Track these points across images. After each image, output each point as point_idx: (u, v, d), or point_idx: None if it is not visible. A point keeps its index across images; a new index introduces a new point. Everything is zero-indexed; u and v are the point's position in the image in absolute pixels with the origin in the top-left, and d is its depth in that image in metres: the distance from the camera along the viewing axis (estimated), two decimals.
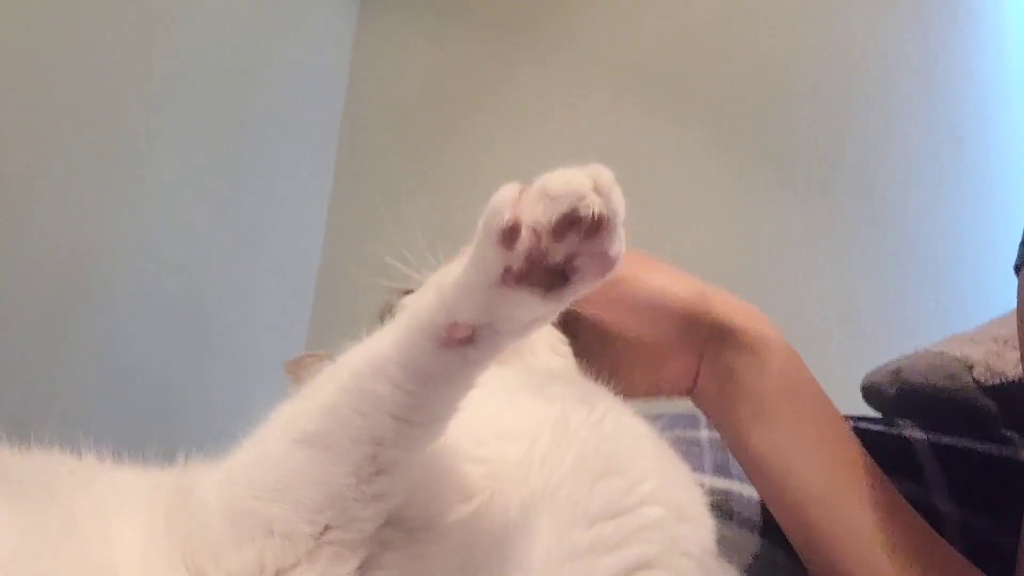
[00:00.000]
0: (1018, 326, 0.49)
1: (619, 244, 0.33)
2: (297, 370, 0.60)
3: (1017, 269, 0.49)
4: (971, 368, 0.65)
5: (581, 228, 0.32)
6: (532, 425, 0.43)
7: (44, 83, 1.37)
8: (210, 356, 1.67)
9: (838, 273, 1.42)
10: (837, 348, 1.34)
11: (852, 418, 0.67)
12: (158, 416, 1.47)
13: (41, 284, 1.35)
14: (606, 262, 0.33)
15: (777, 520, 0.56)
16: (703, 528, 0.44)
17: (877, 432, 0.66)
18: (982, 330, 0.71)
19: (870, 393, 0.74)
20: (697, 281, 0.56)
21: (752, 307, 0.57)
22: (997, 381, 0.64)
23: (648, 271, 0.55)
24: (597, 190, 0.32)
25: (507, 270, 0.33)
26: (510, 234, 0.32)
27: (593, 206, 0.32)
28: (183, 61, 1.64)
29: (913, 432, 0.65)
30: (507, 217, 0.32)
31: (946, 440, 0.64)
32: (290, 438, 0.37)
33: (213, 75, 1.72)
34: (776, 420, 0.54)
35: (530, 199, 0.32)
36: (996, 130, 1.49)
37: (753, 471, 0.56)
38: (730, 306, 0.56)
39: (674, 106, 1.68)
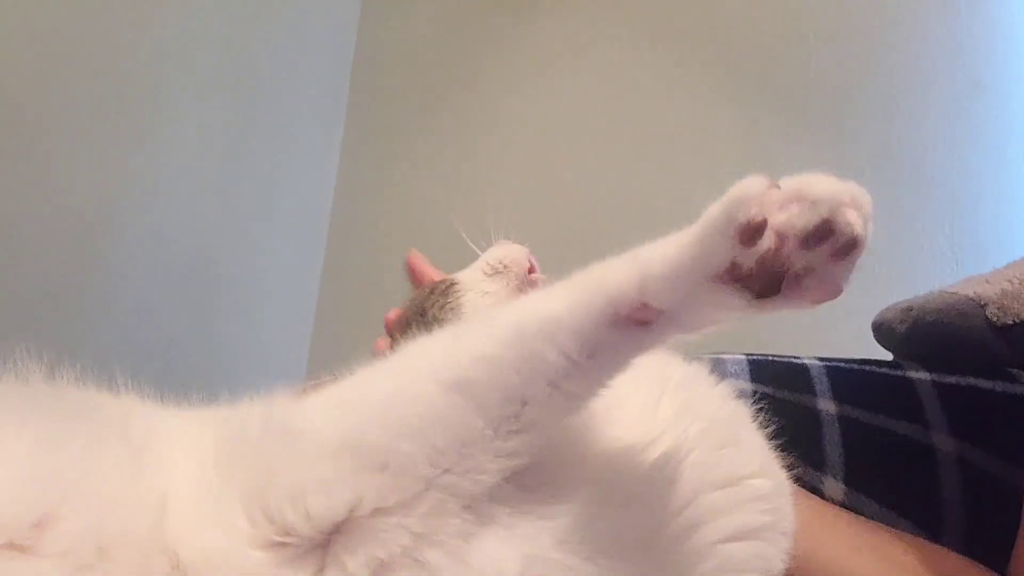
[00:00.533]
0: None
1: (841, 285, 0.31)
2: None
3: None
4: (984, 307, 0.65)
5: (835, 243, 0.29)
6: (654, 388, 0.42)
7: (57, 37, 1.37)
8: (219, 311, 1.69)
9: None
10: (850, 293, 1.33)
11: (858, 362, 0.68)
12: (165, 372, 1.50)
13: (50, 241, 1.36)
14: (835, 288, 0.30)
15: None
16: (791, 507, 0.44)
17: (881, 375, 0.66)
18: (998, 272, 0.71)
19: (881, 331, 0.74)
20: None
21: None
22: (1010, 321, 0.64)
23: None
24: (856, 206, 0.29)
25: (732, 266, 0.30)
26: (753, 231, 0.29)
27: (854, 224, 0.29)
28: (191, 13, 1.63)
29: (917, 373, 0.65)
30: (754, 212, 0.29)
31: (950, 380, 0.64)
32: (438, 379, 0.35)
33: (222, 26, 1.70)
34: None
35: (782, 198, 0.29)
36: (1016, 75, 1.46)
37: None
38: None
39: (690, 50, 1.65)
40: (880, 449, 0.59)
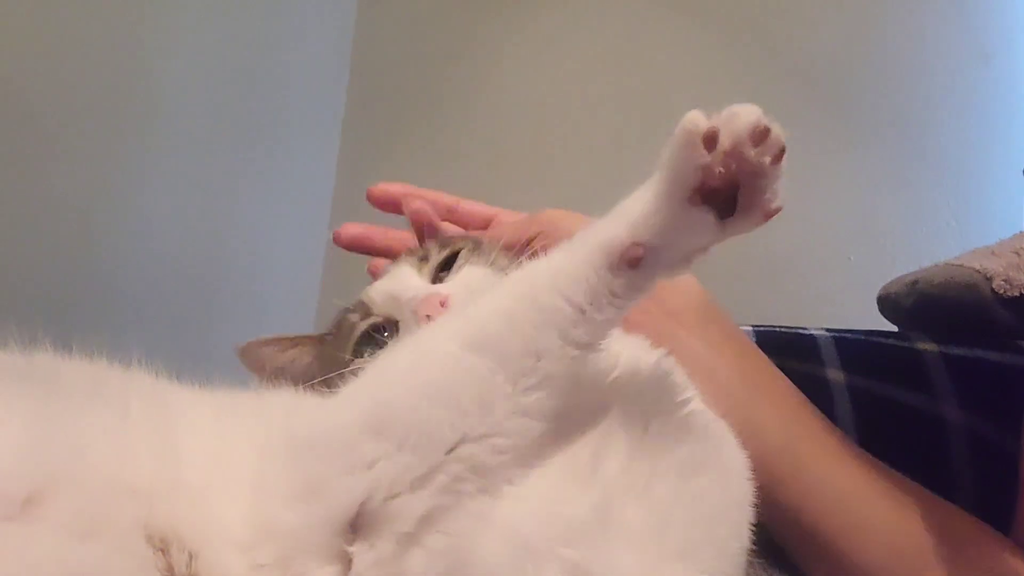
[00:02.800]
0: None
1: (780, 199, 0.38)
2: (250, 356, 0.58)
3: None
4: (990, 280, 0.65)
5: (770, 145, 0.36)
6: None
7: (55, 36, 1.36)
8: (220, 309, 1.69)
9: (858, 189, 1.41)
10: (856, 264, 1.34)
11: (864, 332, 0.68)
12: (167, 357, 1.49)
13: (49, 240, 1.35)
14: (769, 205, 0.38)
15: None
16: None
17: (888, 345, 0.66)
18: (1003, 244, 0.71)
19: (886, 304, 0.74)
20: None
21: None
22: (1016, 293, 0.64)
23: (576, 220, 0.55)
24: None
25: (702, 179, 0.36)
26: (710, 137, 0.36)
27: (780, 131, 0.36)
28: (190, 9, 1.61)
29: (925, 344, 0.65)
30: (706, 124, 0.36)
31: (957, 351, 0.64)
32: (459, 341, 0.38)
33: (220, 22, 1.68)
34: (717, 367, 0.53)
35: (722, 116, 0.36)
36: (1022, 47, 1.45)
37: None
38: None
39: (694, 24, 1.63)
40: (890, 419, 0.59)
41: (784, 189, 0.37)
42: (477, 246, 0.55)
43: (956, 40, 1.45)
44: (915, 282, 0.70)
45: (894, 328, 0.75)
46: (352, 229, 0.67)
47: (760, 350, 0.57)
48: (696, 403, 0.44)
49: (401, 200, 0.64)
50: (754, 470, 0.49)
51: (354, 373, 0.42)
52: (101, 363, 0.42)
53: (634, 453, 0.40)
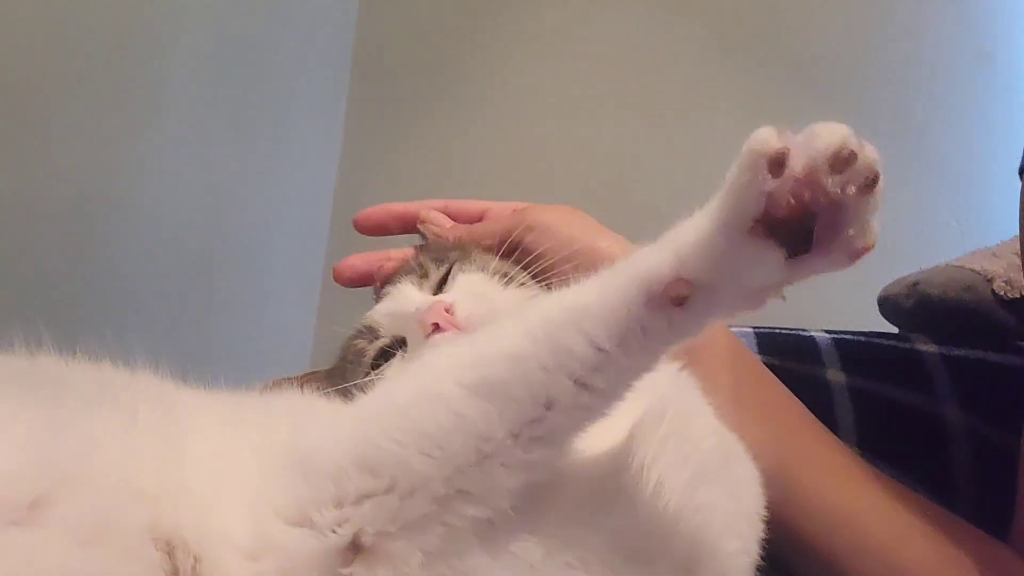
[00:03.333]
0: (1020, 229, 0.49)
1: (871, 236, 0.31)
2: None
3: (1021, 172, 0.48)
4: (991, 281, 0.65)
5: (857, 172, 0.30)
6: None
7: (57, 24, 1.35)
8: (221, 301, 1.69)
9: None
10: (856, 265, 1.33)
11: (865, 334, 0.68)
12: (165, 351, 1.49)
13: (49, 231, 1.35)
14: (853, 244, 0.31)
15: None
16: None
17: (889, 347, 0.67)
18: (1004, 245, 0.71)
19: (887, 305, 0.74)
20: (623, 240, 0.53)
21: None
22: (1017, 294, 0.65)
23: (564, 220, 0.54)
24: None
25: (766, 208, 0.30)
26: (778, 159, 0.30)
27: (873, 154, 0.31)
28: (194, 4, 1.61)
29: (926, 346, 0.66)
30: (776, 143, 0.30)
31: (958, 352, 0.64)
32: (460, 381, 0.33)
33: (223, 11, 1.68)
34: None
35: (801, 134, 0.31)
36: (1023, 47, 1.45)
37: None
38: None
39: (692, 15, 1.64)
40: (891, 420, 0.59)
41: (878, 223, 0.31)
42: (466, 255, 0.54)
43: (956, 40, 1.45)
44: (916, 284, 0.70)
45: (895, 330, 0.76)
46: (349, 271, 0.64)
47: (754, 357, 0.55)
48: (708, 415, 0.43)
49: (387, 222, 0.63)
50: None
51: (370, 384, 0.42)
52: (106, 365, 0.42)
53: (645, 463, 0.38)
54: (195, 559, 0.33)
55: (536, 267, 0.52)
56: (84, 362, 0.42)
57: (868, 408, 0.60)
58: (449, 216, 0.62)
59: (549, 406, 0.33)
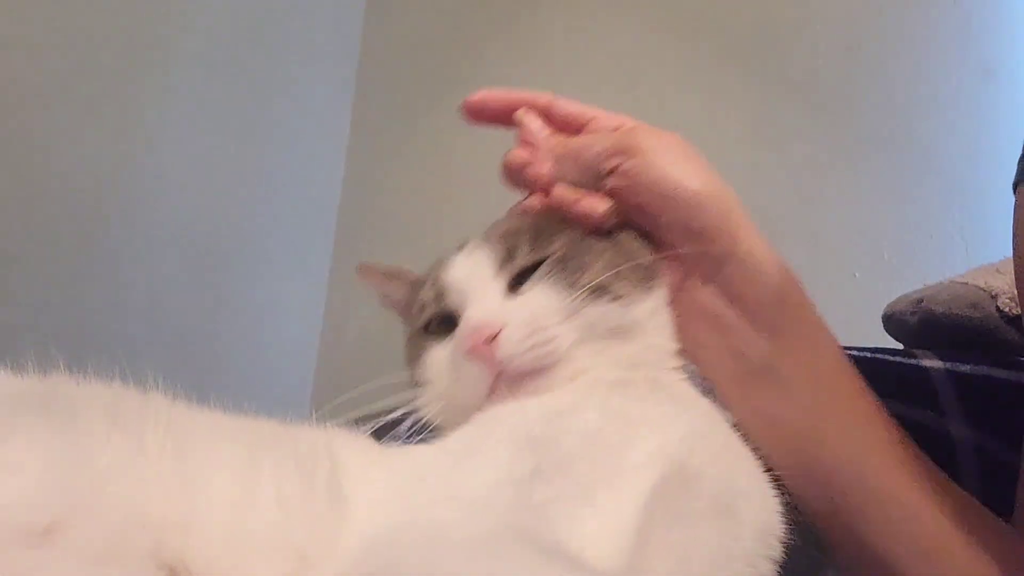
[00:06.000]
0: (1013, 244, 0.49)
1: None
2: (364, 275, 0.61)
3: (1015, 187, 0.49)
4: (995, 298, 0.66)
5: None
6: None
7: (64, 22, 1.37)
8: (227, 303, 1.70)
9: (862, 205, 1.41)
10: (861, 281, 1.34)
11: (871, 350, 0.68)
12: (171, 365, 1.50)
13: (57, 232, 1.36)
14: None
15: (799, 491, 0.48)
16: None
17: (895, 363, 0.66)
18: (1008, 261, 0.71)
19: (891, 322, 0.74)
20: (721, 186, 0.51)
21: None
22: (1022, 311, 0.65)
23: (669, 152, 0.50)
24: None
25: None
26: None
27: None
28: (200, 6, 1.63)
29: (931, 362, 0.65)
30: None
31: (963, 368, 0.64)
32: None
33: (230, 12, 1.70)
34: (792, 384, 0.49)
35: None
36: None
37: (764, 430, 0.49)
38: (746, 231, 0.50)
39: (697, 39, 1.65)
40: None
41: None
42: (565, 262, 0.49)
43: (959, 55, 1.45)
44: (920, 300, 0.70)
45: (900, 346, 0.76)
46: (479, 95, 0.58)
47: (836, 340, 0.51)
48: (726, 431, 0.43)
49: (500, 112, 0.57)
50: (815, 484, 0.46)
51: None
52: (117, 386, 0.42)
53: (660, 490, 0.38)
54: None
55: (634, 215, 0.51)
56: (96, 382, 0.42)
57: None
58: (550, 118, 0.56)
59: None
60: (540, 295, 0.48)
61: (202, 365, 1.54)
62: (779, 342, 0.49)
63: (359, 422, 0.54)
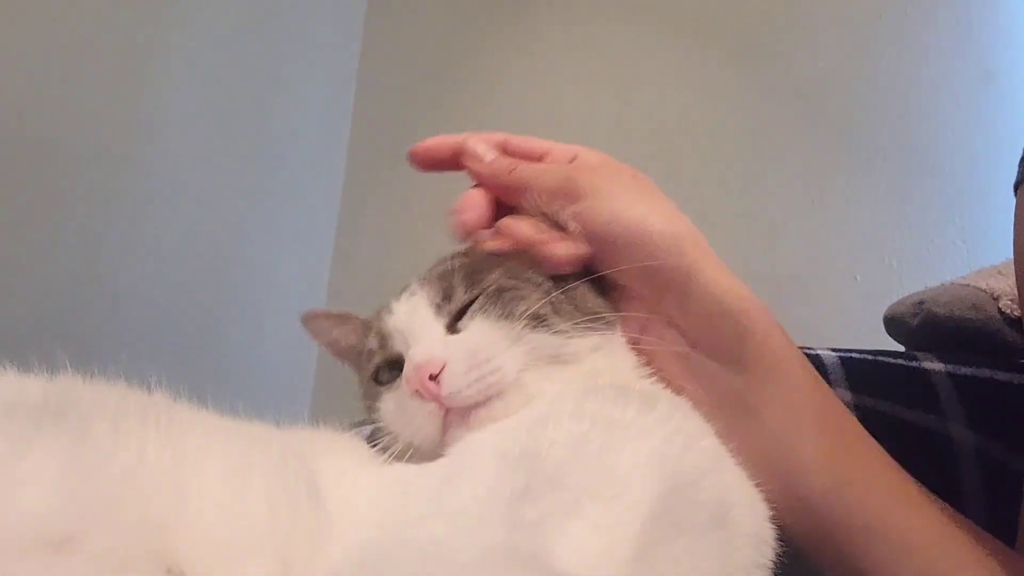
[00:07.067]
0: (1014, 245, 0.49)
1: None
2: (310, 325, 0.60)
3: (1016, 188, 0.48)
4: (997, 300, 0.66)
5: None
6: None
7: (62, 41, 1.37)
8: (226, 316, 1.70)
9: (864, 209, 1.41)
10: (862, 284, 1.34)
11: (872, 352, 0.68)
12: (172, 351, 1.51)
13: (57, 249, 1.37)
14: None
15: (785, 522, 0.46)
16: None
17: (896, 365, 0.66)
18: (1010, 263, 0.71)
19: (893, 324, 0.74)
20: (670, 221, 0.49)
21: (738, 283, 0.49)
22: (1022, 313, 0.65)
23: (615, 191, 0.49)
24: None
25: None
26: None
27: None
28: (197, 15, 1.63)
29: (932, 364, 0.65)
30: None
31: (965, 371, 0.64)
32: None
33: (228, 28, 1.70)
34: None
35: None
36: None
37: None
38: (714, 274, 0.48)
39: (694, 34, 1.65)
40: (899, 439, 0.59)
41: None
42: (500, 294, 0.49)
43: (960, 59, 1.46)
44: (922, 302, 0.70)
45: (901, 348, 0.76)
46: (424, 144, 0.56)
47: (808, 365, 0.50)
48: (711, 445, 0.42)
49: (448, 155, 0.56)
50: (799, 514, 0.45)
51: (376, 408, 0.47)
52: (122, 387, 0.43)
53: (657, 501, 0.37)
54: None
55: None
56: (101, 384, 0.42)
57: (875, 427, 0.60)
58: (509, 154, 0.55)
59: None
60: (479, 328, 0.48)
61: (202, 365, 1.55)
62: (746, 376, 0.47)
63: (357, 425, 0.54)
